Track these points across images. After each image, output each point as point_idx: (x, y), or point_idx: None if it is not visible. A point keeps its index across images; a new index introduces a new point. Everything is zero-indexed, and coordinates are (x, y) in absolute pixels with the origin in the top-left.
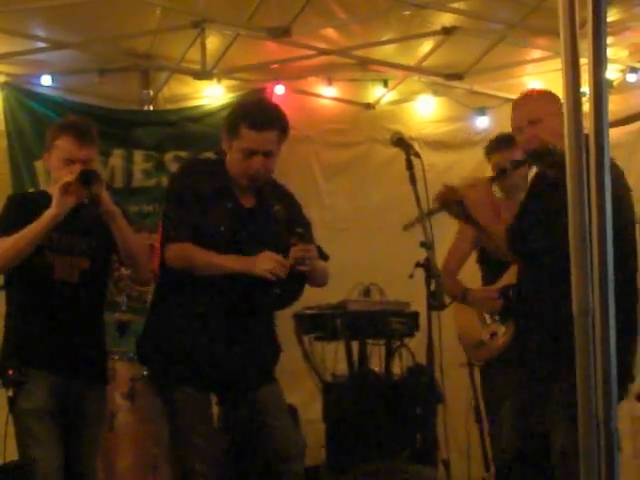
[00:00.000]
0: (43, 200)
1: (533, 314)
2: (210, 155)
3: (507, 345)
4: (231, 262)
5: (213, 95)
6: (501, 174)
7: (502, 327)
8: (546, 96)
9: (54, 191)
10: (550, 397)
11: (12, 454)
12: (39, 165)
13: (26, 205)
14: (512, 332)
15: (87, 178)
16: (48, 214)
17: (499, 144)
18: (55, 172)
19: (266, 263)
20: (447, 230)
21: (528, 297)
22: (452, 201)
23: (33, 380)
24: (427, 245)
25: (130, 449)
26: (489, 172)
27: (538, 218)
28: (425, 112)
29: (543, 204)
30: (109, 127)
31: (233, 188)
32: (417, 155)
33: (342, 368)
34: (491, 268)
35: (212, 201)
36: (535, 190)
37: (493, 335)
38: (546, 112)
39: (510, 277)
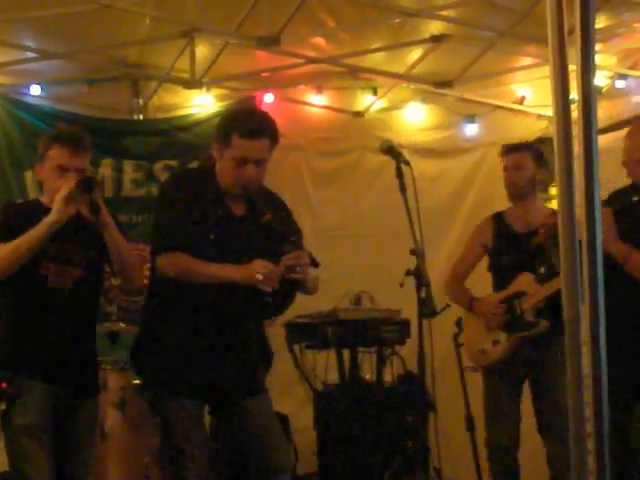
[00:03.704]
0: (38, 209)
1: None
2: (196, 164)
3: (507, 353)
4: (225, 271)
5: (203, 104)
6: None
7: (504, 334)
8: None
9: (55, 200)
10: None
11: (3, 464)
12: (28, 175)
13: (22, 214)
14: (513, 340)
15: (88, 185)
16: (47, 221)
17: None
18: (49, 182)
19: (259, 272)
20: (437, 238)
21: None
22: None
23: (26, 393)
24: (417, 253)
25: (121, 458)
26: (479, 179)
27: None
28: (415, 120)
29: None
30: (98, 137)
31: (223, 196)
32: (407, 163)
33: (333, 376)
34: (502, 276)
35: (202, 209)
36: None
37: (495, 343)
38: None
39: (517, 285)
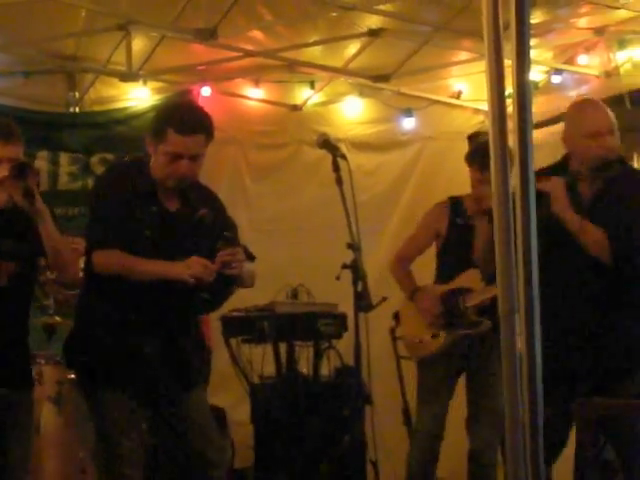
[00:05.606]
0: None
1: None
2: (139, 157)
3: (446, 347)
4: (158, 268)
5: (139, 97)
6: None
7: (444, 331)
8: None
9: None
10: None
11: None
12: None
13: None
14: (453, 337)
15: (22, 170)
16: None
17: None
18: None
19: (193, 268)
20: (374, 232)
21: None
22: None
23: None
24: (354, 247)
25: (57, 453)
26: (416, 172)
27: None
28: (352, 113)
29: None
30: (34, 129)
31: (158, 191)
32: (344, 157)
33: (270, 370)
34: (449, 264)
35: (137, 205)
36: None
37: (434, 336)
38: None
39: (463, 280)
